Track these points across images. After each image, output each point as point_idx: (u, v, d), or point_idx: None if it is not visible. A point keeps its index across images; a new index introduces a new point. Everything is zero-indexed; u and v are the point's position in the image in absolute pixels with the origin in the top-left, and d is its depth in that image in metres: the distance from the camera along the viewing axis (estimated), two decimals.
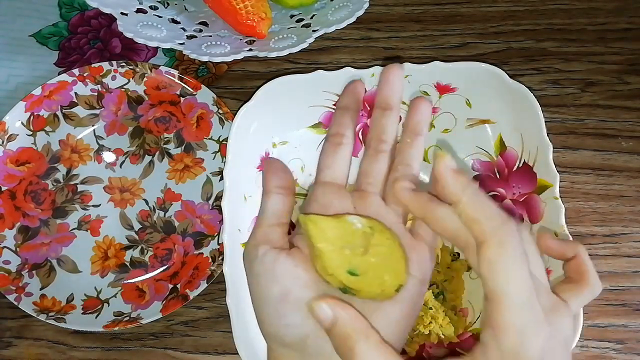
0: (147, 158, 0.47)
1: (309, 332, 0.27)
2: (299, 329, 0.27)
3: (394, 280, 0.27)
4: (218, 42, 0.45)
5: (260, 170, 0.41)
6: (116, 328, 0.41)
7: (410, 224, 0.32)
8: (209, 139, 0.47)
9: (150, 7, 0.46)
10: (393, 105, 0.33)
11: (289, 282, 0.28)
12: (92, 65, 0.46)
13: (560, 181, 0.37)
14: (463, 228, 0.26)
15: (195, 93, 0.46)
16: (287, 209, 0.31)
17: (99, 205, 0.46)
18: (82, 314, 0.42)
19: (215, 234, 0.45)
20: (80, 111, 0.47)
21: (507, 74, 0.38)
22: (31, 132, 0.46)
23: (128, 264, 0.45)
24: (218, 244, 0.44)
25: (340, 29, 0.43)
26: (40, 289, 0.43)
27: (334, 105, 0.41)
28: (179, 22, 0.47)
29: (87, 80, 0.46)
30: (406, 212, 0.32)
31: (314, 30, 0.44)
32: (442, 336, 0.39)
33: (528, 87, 0.38)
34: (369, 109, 0.42)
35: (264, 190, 0.31)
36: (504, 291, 0.24)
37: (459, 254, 0.42)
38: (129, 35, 0.41)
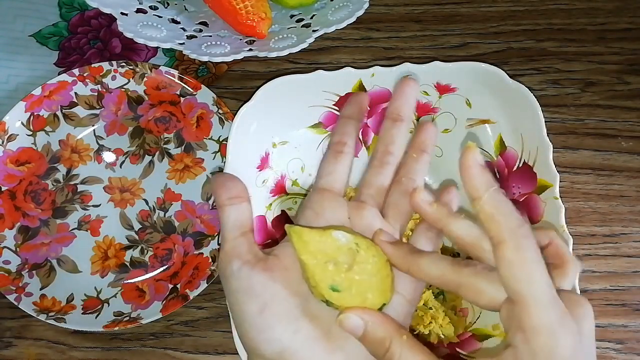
0: (147, 158, 0.47)
1: (287, 346, 0.27)
2: (277, 343, 0.27)
3: (377, 298, 0.28)
4: (218, 42, 0.45)
5: (260, 170, 0.41)
6: (116, 328, 0.41)
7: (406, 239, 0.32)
8: (209, 139, 0.47)
9: (150, 7, 0.46)
10: (404, 117, 0.33)
11: (267, 297, 0.28)
12: (92, 65, 0.46)
13: (560, 181, 0.37)
14: (449, 271, 0.26)
15: (195, 93, 0.46)
16: (245, 217, 0.31)
17: (99, 205, 0.46)
18: (82, 314, 0.42)
19: (215, 234, 0.45)
20: (80, 111, 0.47)
21: (507, 74, 0.38)
22: (31, 132, 0.46)
23: (128, 264, 0.45)
24: (218, 244, 0.44)
25: (340, 29, 0.43)
26: (40, 289, 0.43)
27: (334, 105, 0.41)
28: (179, 22, 0.47)
29: (87, 80, 0.46)
30: (403, 228, 0.32)
31: (314, 30, 0.44)
32: (442, 336, 0.39)
33: (528, 87, 0.38)
34: (369, 109, 0.42)
35: (217, 206, 0.31)
36: (529, 292, 0.23)
37: (458, 254, 0.42)
38: (129, 35, 0.41)
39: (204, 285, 0.42)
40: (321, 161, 0.33)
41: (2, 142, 0.45)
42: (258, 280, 0.28)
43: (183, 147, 0.47)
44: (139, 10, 0.45)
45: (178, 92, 0.47)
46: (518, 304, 0.24)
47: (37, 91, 0.45)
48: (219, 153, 0.47)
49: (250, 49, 0.43)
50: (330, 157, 0.33)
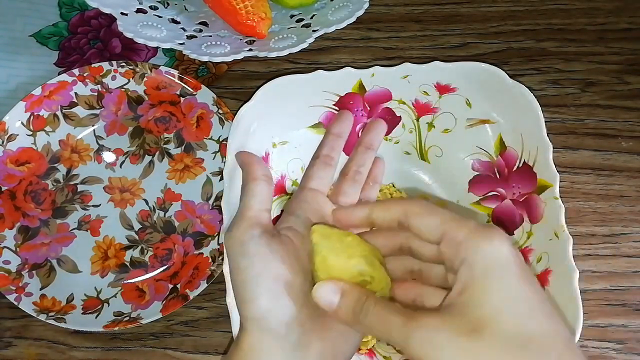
0: (147, 158, 0.47)
1: (296, 319, 0.28)
2: (288, 313, 0.28)
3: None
4: (218, 42, 0.45)
5: None
6: (116, 328, 0.41)
7: None
8: (209, 139, 0.47)
9: (150, 7, 0.46)
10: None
11: (282, 268, 0.29)
12: (92, 65, 0.46)
13: (560, 181, 0.37)
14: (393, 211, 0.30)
15: (195, 93, 0.46)
16: (270, 196, 0.33)
17: (99, 205, 0.46)
18: (82, 314, 0.42)
19: (215, 234, 0.45)
20: (80, 111, 0.47)
21: (507, 74, 0.38)
22: (31, 132, 0.46)
23: (128, 264, 0.45)
24: (218, 244, 0.44)
25: (340, 29, 0.43)
26: (40, 289, 0.43)
27: (334, 105, 0.41)
28: (179, 22, 0.47)
29: (87, 80, 0.46)
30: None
31: (314, 30, 0.44)
32: None
33: (528, 87, 0.38)
34: (369, 109, 0.42)
35: (250, 177, 0.33)
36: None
37: None
38: (129, 35, 0.41)
39: (204, 285, 0.42)
40: (310, 167, 0.38)
41: (2, 142, 0.45)
42: (277, 250, 0.30)
43: (183, 147, 0.47)
44: (139, 10, 0.45)
45: (178, 92, 0.47)
46: (444, 236, 0.26)
47: (37, 91, 0.45)
48: (219, 153, 0.47)
49: (250, 49, 0.43)
50: (320, 165, 0.38)
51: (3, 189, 0.45)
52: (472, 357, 0.23)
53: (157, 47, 0.50)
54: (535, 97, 0.37)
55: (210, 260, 0.44)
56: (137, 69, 0.46)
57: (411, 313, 0.25)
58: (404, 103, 0.42)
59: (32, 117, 0.45)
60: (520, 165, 0.40)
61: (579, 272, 0.35)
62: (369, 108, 0.42)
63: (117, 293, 0.44)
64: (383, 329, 0.26)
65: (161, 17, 0.46)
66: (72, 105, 0.47)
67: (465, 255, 0.25)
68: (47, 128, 0.46)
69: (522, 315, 0.23)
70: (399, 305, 0.27)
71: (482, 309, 0.24)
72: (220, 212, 0.37)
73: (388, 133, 0.43)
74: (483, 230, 0.25)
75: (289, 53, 0.42)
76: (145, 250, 0.45)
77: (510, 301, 0.24)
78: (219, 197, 0.46)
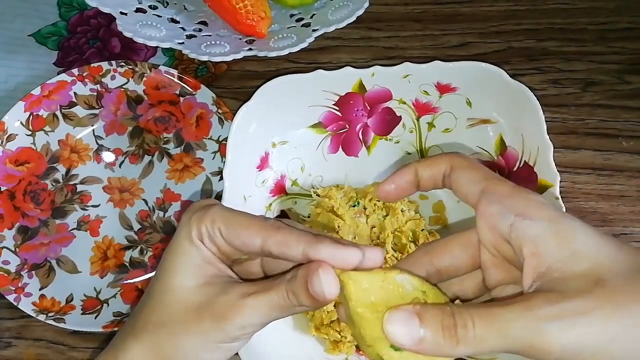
0: (147, 158, 0.47)
1: None
2: None
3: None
4: (217, 42, 0.45)
5: (260, 170, 0.41)
6: (115, 328, 0.41)
7: None
8: (209, 138, 0.47)
9: (150, 6, 0.46)
10: None
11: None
12: (92, 65, 0.46)
13: (560, 181, 0.37)
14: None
15: (194, 93, 0.46)
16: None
17: (99, 205, 0.46)
18: (81, 314, 0.42)
19: None
20: (80, 111, 0.47)
21: (508, 73, 0.38)
22: (30, 132, 0.46)
23: (127, 264, 0.45)
24: None
25: (340, 28, 0.43)
26: (40, 289, 0.43)
27: (334, 105, 0.41)
28: (178, 22, 0.47)
29: (86, 80, 0.46)
30: None
31: (313, 30, 0.43)
32: None
33: (529, 87, 0.37)
34: (369, 108, 0.42)
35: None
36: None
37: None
38: (128, 34, 0.41)
39: None
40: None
41: (2, 142, 0.44)
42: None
43: (182, 147, 0.47)
44: (138, 10, 0.45)
45: (177, 92, 0.47)
46: (486, 191, 0.25)
47: (36, 91, 0.45)
48: (219, 153, 0.46)
49: (250, 49, 0.43)
50: None
51: (2, 189, 0.45)
52: (623, 309, 0.21)
53: (157, 47, 0.50)
54: (536, 96, 0.37)
55: None
56: (137, 69, 0.46)
57: (517, 303, 0.21)
58: (405, 103, 0.41)
59: (31, 117, 0.45)
60: (521, 165, 0.40)
61: None
62: (369, 108, 0.41)
63: (116, 293, 0.44)
64: (497, 334, 0.21)
65: (160, 16, 0.46)
66: (72, 105, 0.46)
67: (521, 210, 0.24)
68: (47, 128, 0.46)
69: (613, 249, 0.23)
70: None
71: (585, 262, 0.22)
72: None
73: (388, 133, 0.43)
74: (521, 187, 0.25)
75: (289, 52, 0.42)
76: (145, 251, 0.45)
77: (599, 242, 0.23)
78: (218, 197, 0.46)
